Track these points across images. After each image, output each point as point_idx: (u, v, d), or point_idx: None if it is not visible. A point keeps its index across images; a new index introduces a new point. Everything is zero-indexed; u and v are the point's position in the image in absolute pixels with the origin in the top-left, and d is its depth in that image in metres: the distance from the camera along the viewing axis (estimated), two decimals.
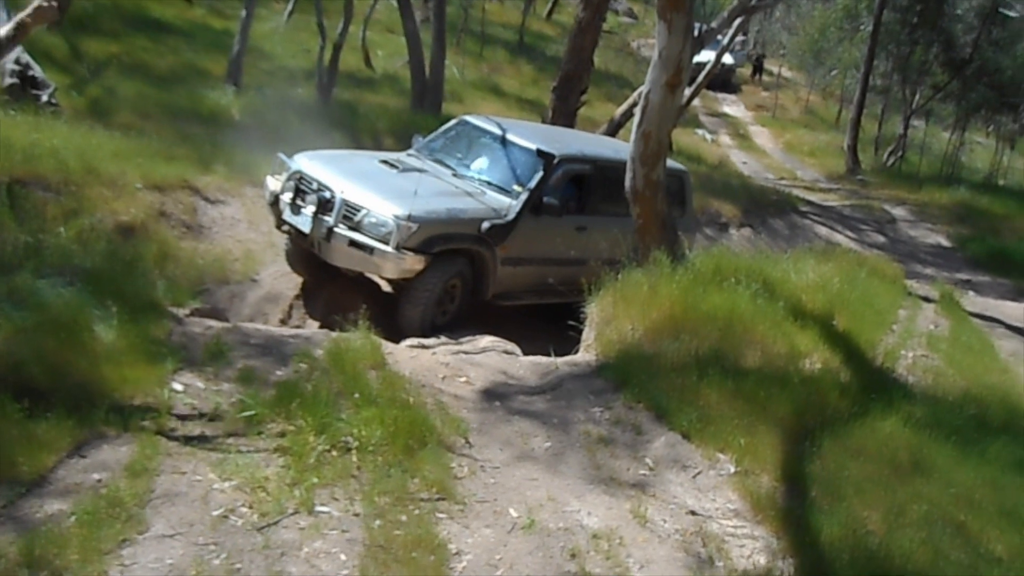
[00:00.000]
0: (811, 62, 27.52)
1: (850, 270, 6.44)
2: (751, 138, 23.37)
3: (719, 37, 14.92)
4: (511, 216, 6.09)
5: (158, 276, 5.49)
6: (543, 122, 11.58)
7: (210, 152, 8.23)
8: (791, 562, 3.06)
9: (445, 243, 5.76)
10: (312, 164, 6.03)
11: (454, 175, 6.49)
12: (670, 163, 7.77)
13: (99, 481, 2.99)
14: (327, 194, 5.70)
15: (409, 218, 5.50)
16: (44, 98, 8.38)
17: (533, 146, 6.54)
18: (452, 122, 7.33)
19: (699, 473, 3.74)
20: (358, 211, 5.64)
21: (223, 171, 7.81)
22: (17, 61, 8.38)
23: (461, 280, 6.05)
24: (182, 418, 3.53)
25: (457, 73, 18.38)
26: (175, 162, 7.62)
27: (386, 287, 6.51)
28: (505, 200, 6.21)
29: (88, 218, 6.14)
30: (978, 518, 3.37)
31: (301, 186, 5.88)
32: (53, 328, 3.68)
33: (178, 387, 3.75)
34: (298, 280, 6.65)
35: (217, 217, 7.38)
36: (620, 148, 8.50)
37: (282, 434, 3.50)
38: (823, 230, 12.74)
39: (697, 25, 15.37)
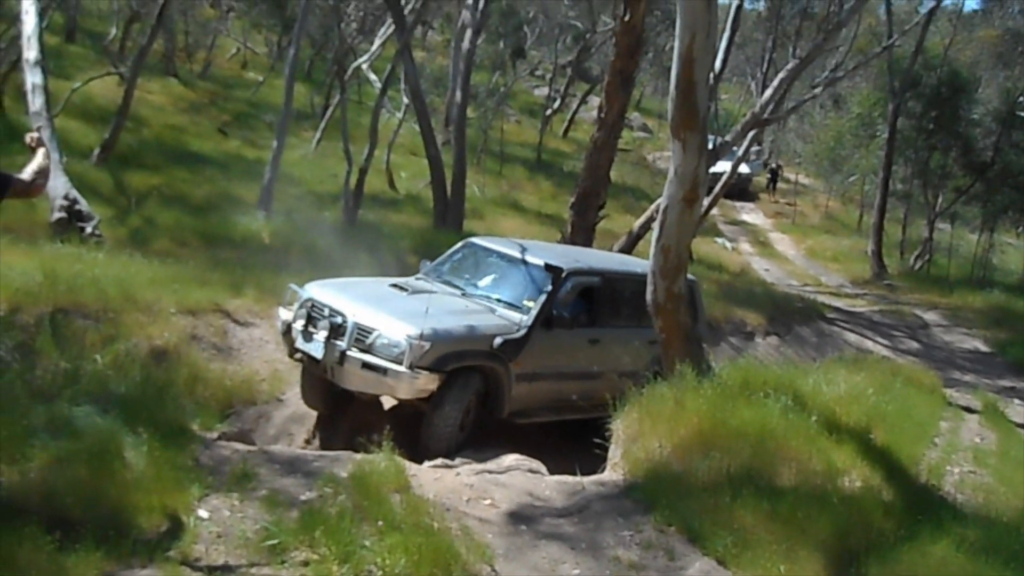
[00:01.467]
0: (828, 169, 28.02)
1: (885, 380, 6.33)
2: (772, 245, 23.55)
3: (734, 148, 15.38)
4: (523, 331, 6.10)
5: (188, 400, 5.57)
6: (562, 237, 11.82)
7: (241, 276, 8.47)
8: None
9: (459, 360, 5.76)
10: (323, 291, 6.14)
11: (463, 295, 6.54)
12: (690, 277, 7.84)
13: None
14: (339, 319, 5.76)
15: (421, 336, 5.52)
16: (88, 230, 8.79)
17: (541, 261, 6.62)
18: (458, 245, 7.43)
19: None
20: (370, 333, 5.67)
21: (253, 294, 8.00)
22: (66, 196, 8.85)
23: (475, 398, 6.00)
24: (207, 547, 3.50)
25: (478, 191, 18.97)
26: (208, 287, 7.84)
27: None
28: (516, 316, 6.23)
29: (124, 343, 6.29)
30: None
31: (313, 313, 5.94)
32: (87, 457, 3.73)
33: (204, 514, 3.73)
34: None
35: (246, 339, 7.51)
36: (626, 261, 8.69)
37: (306, 563, 3.45)
38: (853, 337, 12.61)
39: (712, 138, 15.86)
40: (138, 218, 10.81)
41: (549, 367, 6.40)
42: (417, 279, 6.93)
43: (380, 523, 3.73)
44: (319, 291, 6.15)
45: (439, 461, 5.50)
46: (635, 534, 4.15)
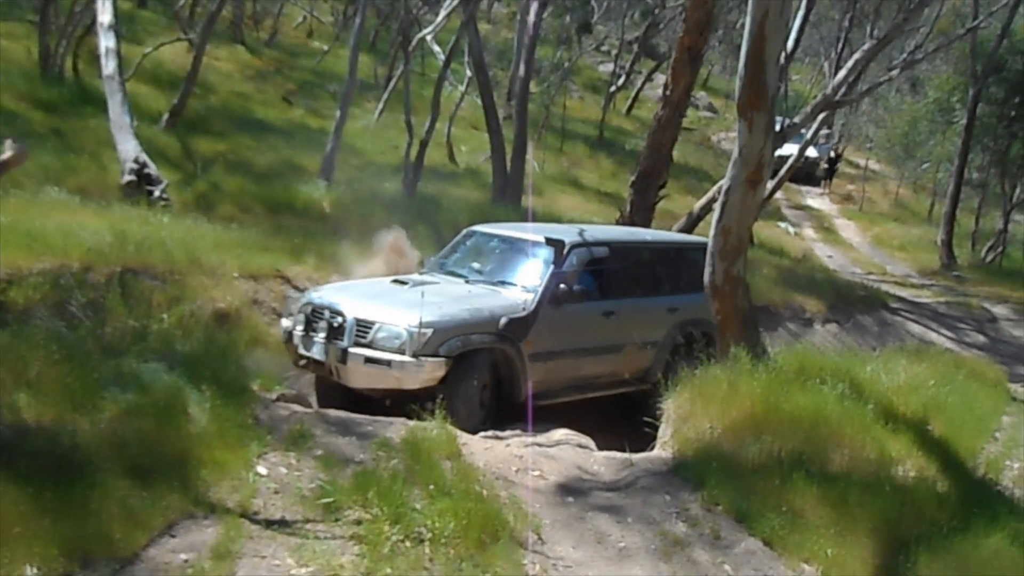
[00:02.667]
0: (901, 155, 27.03)
1: (946, 371, 6.15)
2: (837, 231, 22.93)
3: (802, 131, 14.98)
4: (529, 308, 6.01)
5: (249, 361, 5.74)
6: (621, 216, 11.71)
7: (301, 243, 8.65)
8: None
9: (464, 344, 5.64)
10: (322, 294, 6.13)
11: (466, 282, 6.46)
12: (680, 236, 7.66)
13: (186, 561, 3.10)
14: (338, 318, 5.71)
15: (421, 324, 5.45)
16: (156, 193, 9.07)
17: (541, 238, 6.52)
18: (460, 235, 7.32)
19: None
20: (370, 327, 5.58)
21: (312, 261, 8.18)
22: (136, 160, 9.14)
23: (490, 379, 5.90)
24: (265, 501, 3.64)
25: (537, 167, 18.90)
26: (269, 252, 8.05)
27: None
28: (521, 296, 6.14)
29: (189, 305, 6.52)
30: None
31: (312, 317, 5.90)
32: (154, 410, 3.91)
33: (262, 470, 3.88)
34: None
35: None
36: (634, 232, 8.55)
37: (358, 522, 3.56)
38: (916, 328, 12.24)
39: (780, 119, 15.48)
40: (204, 183, 11.11)
41: (563, 344, 6.28)
42: (420, 274, 6.87)
43: (431, 487, 3.82)
44: (317, 295, 6.14)
45: (490, 432, 5.57)
46: (682, 511, 4.16)
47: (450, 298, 5.96)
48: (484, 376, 5.84)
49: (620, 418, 6.42)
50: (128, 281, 6.35)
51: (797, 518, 3.88)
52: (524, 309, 6.01)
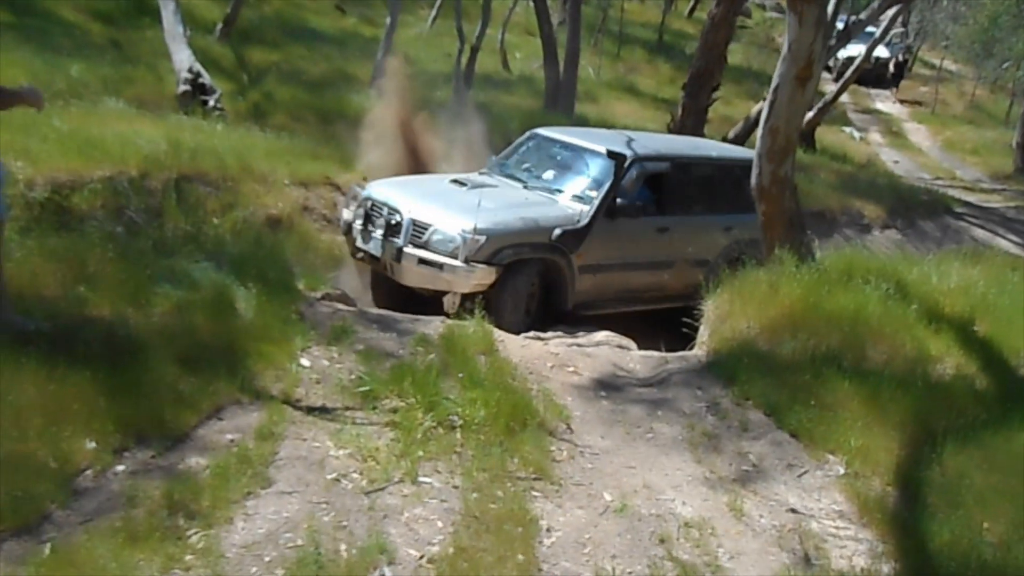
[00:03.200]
0: (979, 53, 25.34)
1: (1000, 274, 5.95)
2: (905, 135, 21.89)
3: (870, 28, 14.17)
4: (584, 221, 5.99)
5: (297, 264, 5.94)
6: (672, 121, 11.42)
7: (352, 151, 8.74)
8: (894, 566, 2.93)
9: (516, 253, 5.70)
10: (381, 189, 6.19)
11: (525, 187, 6.44)
12: (747, 152, 7.44)
13: (232, 441, 3.32)
14: (396, 216, 5.81)
15: (475, 231, 5.50)
16: (211, 103, 9.21)
17: (603, 148, 6.41)
18: (523, 136, 7.25)
19: (805, 472, 3.64)
20: (426, 229, 5.69)
21: (362, 169, 8.28)
22: (190, 70, 9.27)
23: (539, 289, 5.96)
24: (307, 390, 3.85)
25: (593, 73, 18.44)
26: (320, 161, 8.17)
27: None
28: (578, 206, 6.11)
29: (241, 211, 6.72)
30: None
31: (371, 212, 6.01)
32: (202, 305, 4.13)
33: (305, 363, 4.08)
34: None
35: None
36: (699, 145, 8.26)
37: (394, 410, 3.74)
38: (982, 233, 11.79)
39: (844, 16, 14.66)
40: (257, 93, 11.22)
41: (614, 258, 6.28)
42: (480, 174, 6.86)
43: (461, 376, 3.97)
44: (378, 190, 6.20)
45: (531, 333, 5.69)
46: (712, 405, 4.23)
47: (506, 204, 5.98)
48: (533, 285, 5.94)
49: (665, 322, 6.46)
50: (183, 188, 6.56)
51: (826, 411, 3.90)
52: (579, 221, 6.02)
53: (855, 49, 17.15)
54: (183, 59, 9.41)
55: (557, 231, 5.87)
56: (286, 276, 5.02)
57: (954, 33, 27.37)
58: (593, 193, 6.23)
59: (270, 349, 4.04)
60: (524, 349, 4.80)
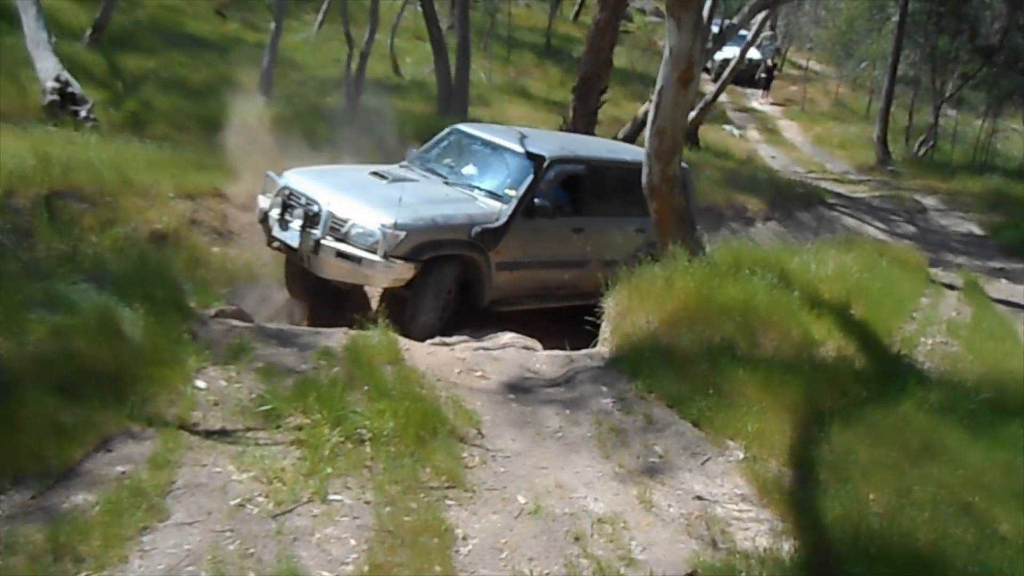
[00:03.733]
0: (840, 54, 27.16)
1: (871, 260, 6.38)
2: (780, 132, 23.14)
3: (743, 32, 14.88)
4: (503, 220, 6.06)
5: (187, 280, 5.67)
6: (564, 123, 11.63)
7: (240, 161, 8.44)
8: (794, 543, 3.08)
9: (435, 249, 5.72)
10: (300, 179, 6.05)
11: (445, 183, 6.46)
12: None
13: (123, 473, 3.13)
14: (314, 207, 5.70)
15: (395, 226, 5.48)
16: (83, 113, 8.71)
17: (524, 149, 6.50)
18: (444, 131, 7.27)
19: (708, 460, 3.78)
20: (345, 222, 5.61)
21: (252, 179, 8.01)
22: (57, 79, 8.72)
23: (455, 286, 6.01)
24: (204, 413, 3.68)
25: (484, 77, 18.52)
26: (207, 171, 7.86)
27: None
28: (497, 205, 6.17)
29: (123, 227, 6.38)
30: (986, 499, 3.36)
31: (289, 202, 5.88)
32: (83, 329, 3.86)
33: (201, 384, 3.89)
34: None
35: (247, 224, 7.56)
36: (615, 148, 8.46)
37: (299, 427, 3.62)
38: (852, 222, 12.60)
39: (718, 21, 15.33)
40: (134, 102, 10.68)
41: (531, 256, 6.36)
42: (401, 167, 6.82)
43: (367, 388, 3.90)
44: (296, 179, 6.06)
45: (436, 339, 5.66)
46: (617, 401, 4.33)
47: (426, 200, 5.96)
48: (450, 282, 5.94)
49: (568, 321, 6.56)
50: (55, 204, 6.17)
51: (724, 399, 4.07)
52: (498, 219, 6.05)
53: (730, 51, 17.98)
54: (48, 67, 8.85)
55: (476, 228, 5.90)
56: (175, 294, 4.77)
57: (817, 36, 29.23)
58: (512, 192, 6.28)
59: (161, 372, 3.83)
60: (431, 356, 4.75)
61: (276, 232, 5.95)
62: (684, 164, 8.06)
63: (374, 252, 5.53)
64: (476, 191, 6.35)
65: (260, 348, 4.44)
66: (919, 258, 7.95)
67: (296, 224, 5.77)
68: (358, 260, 5.56)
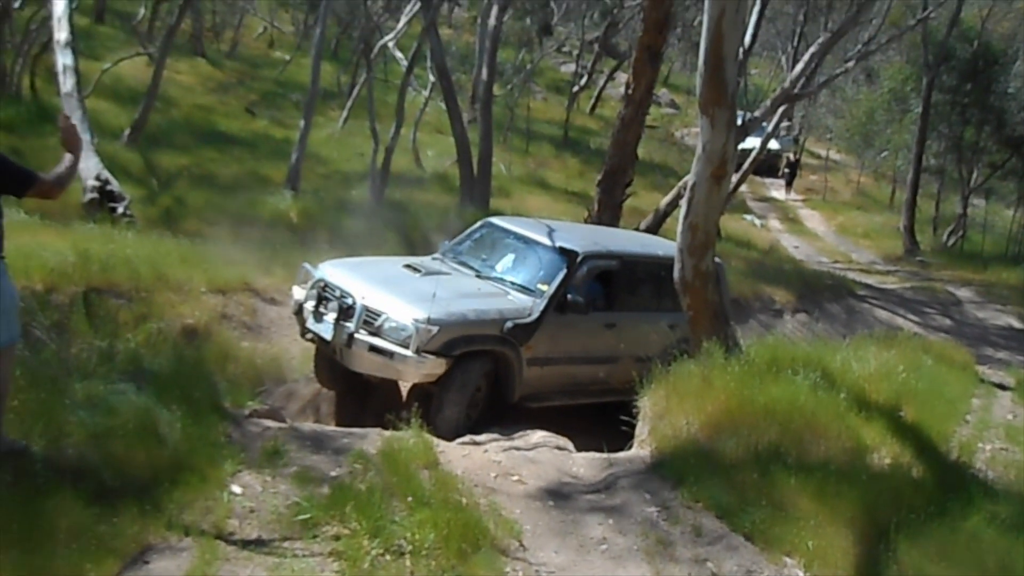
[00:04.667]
0: (860, 144, 27.50)
1: (915, 357, 6.23)
2: (801, 222, 23.24)
3: (764, 124, 15.15)
4: (535, 315, 6.04)
5: (220, 377, 5.64)
6: (589, 215, 11.75)
7: (269, 255, 8.55)
8: None
9: (467, 345, 5.70)
10: (335, 271, 6.12)
11: (478, 276, 6.47)
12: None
13: None
14: (348, 300, 5.74)
15: (428, 321, 5.48)
16: (120, 210, 8.89)
17: (557, 244, 6.53)
18: (477, 224, 7.34)
19: None
20: (378, 316, 5.63)
21: (281, 273, 8.08)
22: (97, 177, 8.96)
23: (485, 382, 5.96)
24: (240, 522, 3.57)
25: (504, 169, 18.91)
26: (237, 266, 7.93)
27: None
28: (529, 300, 6.16)
29: (156, 322, 6.41)
30: None
31: (324, 294, 5.93)
32: (122, 433, 3.82)
33: (237, 489, 3.80)
34: None
35: (275, 317, 7.61)
36: (647, 243, 8.48)
37: (337, 537, 3.50)
38: (883, 314, 12.45)
39: (741, 114, 15.60)
40: (168, 198, 10.95)
41: (562, 351, 6.32)
42: (433, 259, 6.88)
43: (409, 499, 3.78)
44: (331, 271, 6.13)
45: (467, 438, 5.54)
46: (663, 510, 4.16)
47: (459, 295, 5.97)
48: (480, 378, 5.90)
49: (598, 418, 6.43)
50: (93, 301, 6.23)
51: (777, 511, 3.90)
52: (530, 315, 6.04)
53: (750, 142, 18.29)
54: (90, 167, 9.10)
55: (509, 324, 5.88)
56: (212, 394, 4.74)
57: (835, 126, 29.70)
58: (544, 287, 6.27)
59: (198, 477, 3.75)
60: (466, 459, 4.64)
61: (310, 324, 5.98)
62: (717, 259, 8.08)
63: (407, 347, 5.51)
64: (508, 285, 6.36)
65: (294, 451, 4.37)
66: (965, 355, 7.75)
67: (330, 317, 5.80)
68: (390, 355, 5.54)
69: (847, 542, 3.61)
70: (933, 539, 3.55)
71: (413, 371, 5.58)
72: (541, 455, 5.15)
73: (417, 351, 5.49)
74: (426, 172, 18.01)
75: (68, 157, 3.60)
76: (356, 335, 5.64)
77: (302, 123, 13.02)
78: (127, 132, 13.12)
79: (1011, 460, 5.18)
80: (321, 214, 11.31)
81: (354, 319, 5.67)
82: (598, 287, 6.69)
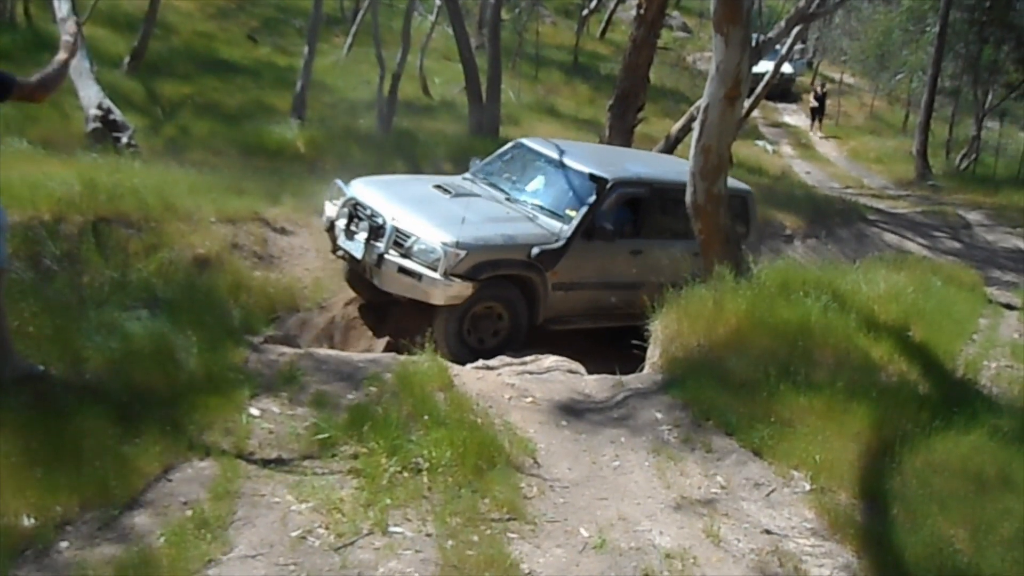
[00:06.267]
0: (875, 67, 26.81)
1: (924, 279, 6.23)
2: (814, 147, 22.87)
3: (777, 47, 14.74)
4: (562, 241, 6.07)
5: (233, 306, 5.70)
6: (600, 142, 11.58)
7: (277, 185, 8.50)
8: None
9: (494, 269, 5.78)
10: (366, 190, 6.19)
11: (507, 199, 6.52)
12: (734, 182, 7.71)
13: (185, 503, 3.11)
14: (379, 220, 5.82)
15: (457, 245, 5.56)
16: (124, 140, 8.82)
17: (587, 170, 6.51)
18: (508, 145, 7.38)
19: (773, 491, 3.67)
20: (408, 238, 5.72)
21: (290, 202, 8.06)
22: (99, 106, 8.86)
23: (506, 305, 6.02)
24: (260, 442, 3.65)
25: (513, 96, 18.56)
26: (245, 195, 7.90)
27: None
28: (556, 225, 6.18)
29: (167, 252, 6.42)
30: None
31: (355, 212, 6.01)
32: (140, 358, 3.88)
33: (255, 412, 3.87)
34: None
35: (286, 247, 7.61)
36: (680, 169, 8.43)
37: (355, 456, 3.58)
38: (893, 238, 12.37)
39: (754, 36, 15.19)
40: (172, 127, 10.83)
41: (587, 277, 6.37)
42: (464, 179, 6.92)
43: (426, 418, 3.84)
44: (363, 189, 6.20)
45: (480, 363, 5.62)
46: (674, 428, 4.23)
47: (487, 219, 6.03)
48: (505, 300, 5.99)
49: (610, 343, 6.49)
50: (102, 231, 6.22)
51: (786, 427, 3.96)
52: (557, 240, 6.07)
53: (763, 66, 17.84)
54: (91, 95, 8.99)
55: (536, 249, 5.93)
56: (226, 320, 4.79)
57: (850, 48, 28.90)
58: (573, 213, 6.28)
59: (216, 400, 3.82)
60: (480, 382, 4.70)
61: (341, 241, 6.09)
62: (748, 188, 7.97)
63: (435, 270, 5.59)
64: (537, 209, 6.39)
65: (311, 375, 4.43)
66: (974, 277, 7.72)
67: (361, 236, 5.88)
68: (419, 276, 5.65)
69: (853, 455, 3.68)
70: (937, 451, 3.61)
71: (440, 293, 5.67)
72: (554, 377, 5.22)
73: (445, 274, 5.59)
74: (434, 100, 17.71)
75: (57, 59, 3.52)
76: (386, 255, 5.75)
77: (306, 50, 12.75)
78: (127, 60, 12.89)
79: (1015, 376, 5.23)
80: (328, 143, 11.18)
81: (384, 239, 5.77)
82: (626, 213, 6.68)
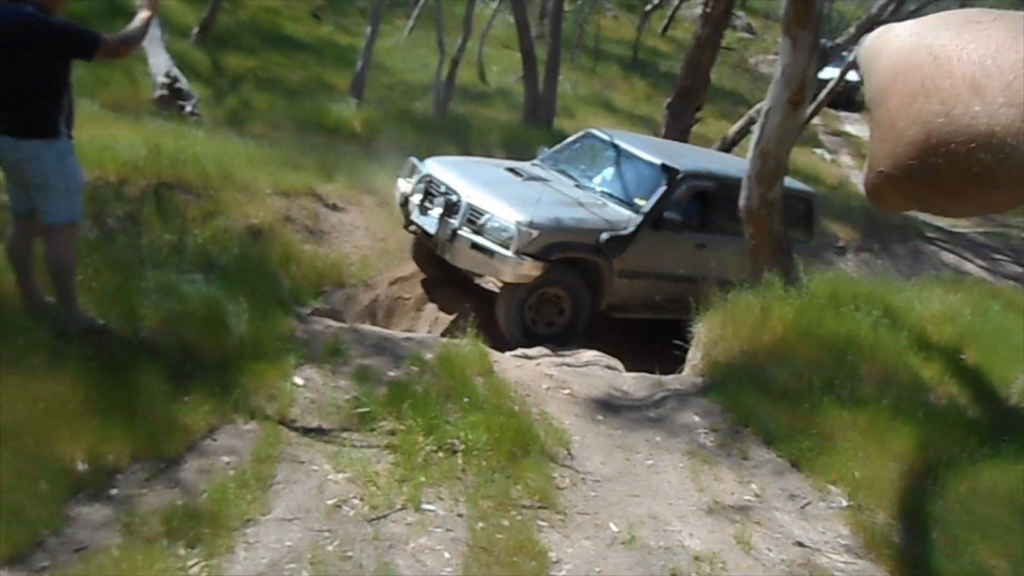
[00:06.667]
0: None
1: (982, 302, 6.03)
2: None
3: (844, 53, 14.41)
4: (631, 229, 6.15)
5: (283, 276, 5.82)
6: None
7: (332, 162, 8.62)
8: None
9: (563, 251, 5.87)
10: (441, 169, 6.34)
11: (577, 186, 6.61)
12: (799, 185, 7.66)
13: (228, 463, 3.21)
14: (454, 198, 5.95)
15: (531, 224, 5.67)
16: (188, 108, 9.02)
17: (658, 161, 6.56)
18: (578, 134, 7.48)
19: (808, 504, 3.63)
20: (482, 215, 5.85)
21: (344, 180, 8.17)
22: (167, 74, 9.07)
23: (569, 291, 6.07)
24: (302, 410, 3.74)
25: (570, 88, 18.47)
26: (301, 170, 8.03)
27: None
28: (626, 213, 6.27)
29: (223, 220, 6.57)
30: None
31: (430, 189, 6.17)
32: (193, 320, 3.99)
33: (299, 381, 3.97)
34: (414, 284, 6.91)
35: (336, 223, 7.73)
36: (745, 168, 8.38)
37: (393, 432, 3.65)
38: (951, 258, 12.03)
39: (823, 41, 14.89)
40: (234, 99, 11.04)
41: (652, 267, 6.43)
42: (533, 165, 7.02)
43: (465, 400, 3.89)
44: (438, 168, 6.34)
45: (519, 351, 5.66)
46: (710, 432, 4.20)
47: (559, 202, 6.16)
48: (568, 287, 6.08)
49: (648, 340, 6.48)
50: (163, 195, 6.39)
51: (826, 441, 3.90)
52: (626, 228, 6.15)
53: (828, 72, 17.48)
54: (160, 63, 9.21)
55: (605, 235, 6.02)
56: (276, 290, 4.90)
57: None
58: (642, 202, 6.37)
59: (263, 367, 3.92)
60: (519, 370, 4.73)
61: (415, 216, 6.22)
62: (811, 190, 7.87)
63: (507, 247, 5.70)
64: (608, 197, 6.48)
65: (355, 349, 4.51)
66: None
67: (435, 212, 6.00)
68: (491, 253, 5.76)
69: (894, 475, 3.62)
70: (983, 479, 3.52)
71: (511, 271, 5.77)
72: (592, 372, 5.23)
73: (517, 252, 5.69)
74: (490, 87, 17.73)
75: (140, 16, 3.62)
76: (459, 231, 5.87)
77: (368, 30, 12.85)
78: (195, 31, 13.16)
79: None
80: (384, 124, 11.27)
81: (459, 216, 5.89)
82: (694, 206, 6.71)
